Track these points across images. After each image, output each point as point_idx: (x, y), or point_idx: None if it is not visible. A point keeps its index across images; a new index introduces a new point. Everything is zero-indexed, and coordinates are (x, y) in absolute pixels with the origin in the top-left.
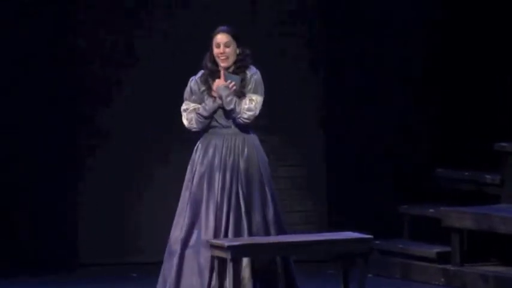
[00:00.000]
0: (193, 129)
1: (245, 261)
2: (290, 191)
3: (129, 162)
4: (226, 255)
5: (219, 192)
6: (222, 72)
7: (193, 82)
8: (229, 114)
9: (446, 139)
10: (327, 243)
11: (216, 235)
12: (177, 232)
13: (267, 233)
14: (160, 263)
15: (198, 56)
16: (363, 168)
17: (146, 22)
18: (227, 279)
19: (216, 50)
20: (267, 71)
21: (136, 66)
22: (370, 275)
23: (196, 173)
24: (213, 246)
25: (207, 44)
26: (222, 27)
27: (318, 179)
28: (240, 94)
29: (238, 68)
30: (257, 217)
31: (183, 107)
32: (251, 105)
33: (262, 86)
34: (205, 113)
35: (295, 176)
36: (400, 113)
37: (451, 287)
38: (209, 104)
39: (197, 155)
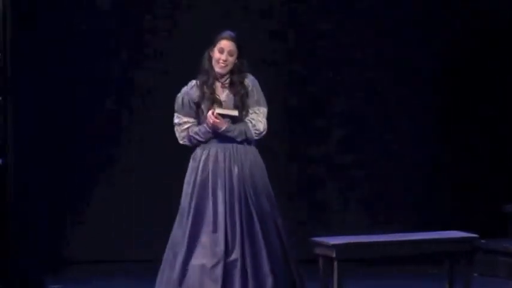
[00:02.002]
0: (186, 145)
1: None
2: (402, 190)
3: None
4: (332, 254)
5: (227, 199)
6: (212, 113)
7: (185, 94)
8: None
9: None
10: (432, 242)
11: (226, 241)
12: (178, 240)
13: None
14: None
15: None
16: (468, 167)
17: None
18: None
19: (217, 55)
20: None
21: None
22: (475, 275)
23: (198, 181)
24: (317, 245)
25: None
26: (229, 33)
27: (424, 178)
28: (244, 107)
29: (238, 75)
30: (269, 222)
31: (176, 120)
32: (260, 125)
33: (262, 93)
34: (200, 139)
35: (402, 174)
36: (502, 109)
37: None
38: (205, 134)
39: (197, 163)
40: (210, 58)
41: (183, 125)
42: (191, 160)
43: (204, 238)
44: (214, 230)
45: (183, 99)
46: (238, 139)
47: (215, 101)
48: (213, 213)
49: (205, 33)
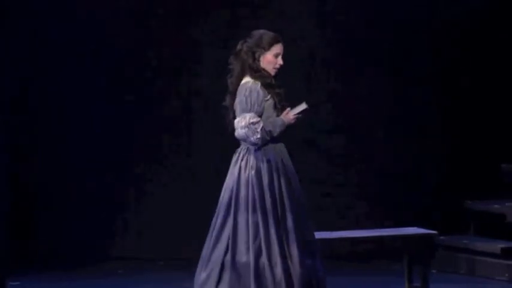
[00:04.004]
0: (257, 146)
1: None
2: (355, 187)
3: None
4: None
5: (287, 197)
6: (287, 113)
7: (260, 92)
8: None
9: (511, 134)
10: (392, 239)
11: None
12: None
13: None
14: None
15: None
16: (427, 163)
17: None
18: None
19: (274, 59)
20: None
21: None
22: (434, 271)
23: (276, 185)
24: None
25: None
26: (278, 35)
27: (383, 173)
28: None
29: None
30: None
31: (252, 119)
32: None
33: None
34: (276, 135)
35: (360, 170)
36: (465, 109)
37: None
38: (281, 126)
39: (272, 162)
40: (258, 59)
41: (259, 123)
42: (260, 160)
43: (275, 236)
44: (285, 229)
45: (258, 99)
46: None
47: (282, 98)
48: (286, 211)
49: None
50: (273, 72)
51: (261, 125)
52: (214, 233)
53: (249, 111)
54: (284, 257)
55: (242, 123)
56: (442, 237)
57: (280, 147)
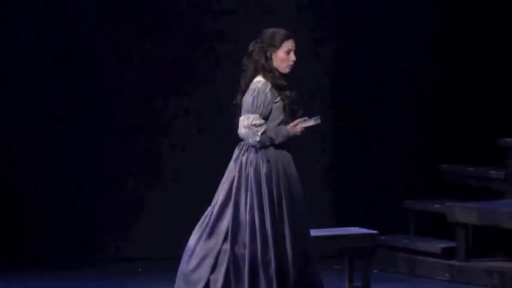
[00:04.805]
0: (255, 148)
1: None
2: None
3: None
4: None
5: (285, 198)
6: (295, 125)
7: (267, 97)
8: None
9: (451, 134)
10: (332, 238)
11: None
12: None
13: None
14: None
15: None
16: (368, 163)
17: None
18: None
19: (287, 56)
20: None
21: None
22: (375, 271)
23: (275, 184)
24: None
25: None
26: (288, 32)
27: (324, 173)
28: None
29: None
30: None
31: (256, 121)
32: None
33: None
34: (277, 142)
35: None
36: (406, 108)
37: (456, 282)
38: (284, 136)
39: (274, 165)
40: (270, 58)
41: (262, 126)
42: (260, 158)
43: (271, 236)
44: (281, 230)
45: (265, 101)
46: None
47: (291, 101)
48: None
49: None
50: (287, 70)
51: (263, 129)
52: (210, 224)
53: (254, 112)
54: (278, 257)
55: (245, 122)
56: (382, 237)
57: (285, 153)
